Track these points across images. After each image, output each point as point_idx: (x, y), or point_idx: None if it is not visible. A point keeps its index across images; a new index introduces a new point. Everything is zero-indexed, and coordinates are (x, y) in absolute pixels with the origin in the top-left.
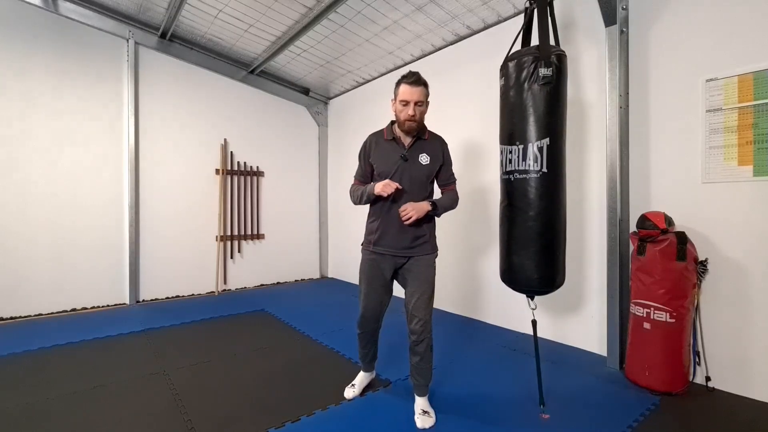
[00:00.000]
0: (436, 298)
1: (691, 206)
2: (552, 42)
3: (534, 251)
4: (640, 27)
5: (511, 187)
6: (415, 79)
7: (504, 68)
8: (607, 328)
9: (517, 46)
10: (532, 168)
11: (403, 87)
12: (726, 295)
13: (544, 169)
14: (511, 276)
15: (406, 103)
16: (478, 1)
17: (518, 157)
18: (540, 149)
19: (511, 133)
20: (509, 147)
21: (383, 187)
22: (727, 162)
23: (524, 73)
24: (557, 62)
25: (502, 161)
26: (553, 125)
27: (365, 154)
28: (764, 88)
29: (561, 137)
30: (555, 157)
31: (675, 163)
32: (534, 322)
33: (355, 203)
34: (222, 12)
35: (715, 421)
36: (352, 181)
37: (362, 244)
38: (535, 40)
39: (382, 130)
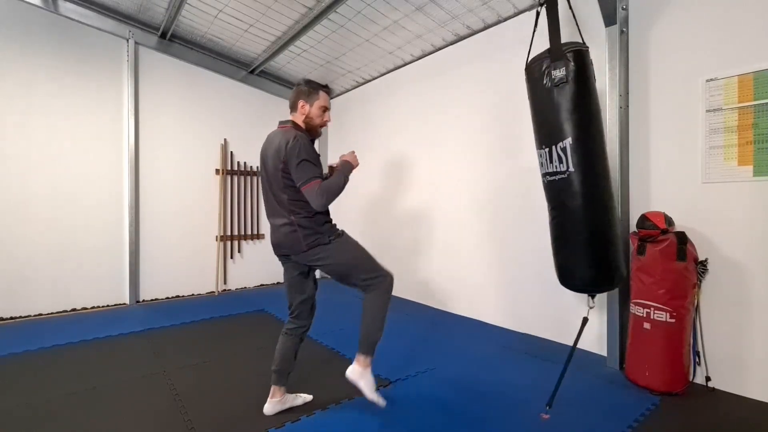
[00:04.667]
0: (435, 297)
1: (691, 206)
2: (569, 39)
3: (578, 251)
4: (640, 27)
5: (548, 189)
6: (329, 89)
7: (527, 72)
8: (607, 328)
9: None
10: (558, 169)
11: (323, 95)
12: (726, 295)
13: (571, 168)
14: (561, 277)
15: (325, 109)
16: (478, 1)
17: (546, 160)
18: (563, 150)
19: (539, 137)
20: (539, 151)
21: (355, 157)
22: (727, 162)
23: (540, 77)
24: (574, 60)
25: (540, 164)
26: (574, 124)
27: (314, 153)
28: (764, 88)
29: (586, 135)
30: (581, 155)
31: (675, 163)
32: (585, 320)
33: (336, 194)
34: (222, 12)
35: (715, 421)
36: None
37: (327, 233)
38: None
39: (302, 133)
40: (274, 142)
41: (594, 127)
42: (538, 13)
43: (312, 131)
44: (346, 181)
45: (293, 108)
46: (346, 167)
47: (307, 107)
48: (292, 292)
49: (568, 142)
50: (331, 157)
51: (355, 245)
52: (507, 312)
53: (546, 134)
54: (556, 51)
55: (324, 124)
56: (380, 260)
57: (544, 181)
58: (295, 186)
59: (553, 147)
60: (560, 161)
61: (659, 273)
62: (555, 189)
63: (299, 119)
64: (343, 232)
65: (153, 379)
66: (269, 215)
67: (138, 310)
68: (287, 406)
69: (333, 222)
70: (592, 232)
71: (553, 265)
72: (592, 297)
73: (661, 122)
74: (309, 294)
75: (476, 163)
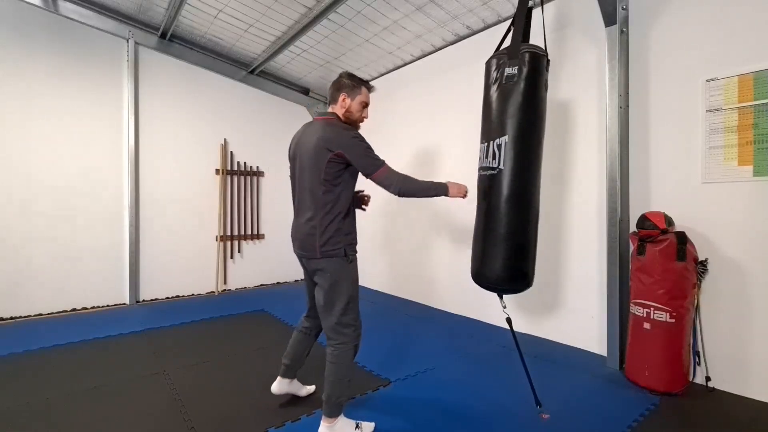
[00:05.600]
0: (435, 297)
1: (691, 206)
2: (567, 41)
3: (492, 248)
4: (640, 27)
5: (479, 182)
6: (371, 87)
7: (486, 66)
8: (607, 328)
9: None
10: (491, 165)
11: (365, 90)
12: (726, 295)
13: (500, 166)
14: (473, 271)
15: (366, 105)
16: (478, 1)
17: (483, 154)
18: (498, 147)
19: (481, 131)
20: (480, 144)
21: (461, 190)
22: (727, 162)
23: (494, 73)
24: (529, 61)
25: (480, 157)
26: (514, 123)
27: None
28: (764, 88)
29: (524, 136)
30: (514, 154)
31: (675, 163)
32: (509, 320)
33: (415, 194)
34: (222, 12)
35: (715, 421)
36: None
37: (346, 247)
38: (551, 39)
39: (348, 126)
40: (316, 133)
41: (533, 131)
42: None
43: (352, 125)
44: (432, 193)
45: (333, 101)
46: (445, 187)
47: (348, 101)
48: (309, 291)
49: (504, 140)
50: None
51: (357, 280)
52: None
53: (487, 129)
54: (514, 49)
55: (362, 120)
56: (382, 259)
57: (479, 174)
58: (331, 181)
59: (491, 143)
60: (494, 157)
61: (659, 273)
62: (484, 184)
63: (340, 112)
64: (355, 259)
65: (153, 379)
66: (296, 211)
67: (138, 310)
68: (293, 391)
69: (355, 240)
70: (509, 232)
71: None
72: (501, 297)
73: (661, 122)
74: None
75: (476, 163)
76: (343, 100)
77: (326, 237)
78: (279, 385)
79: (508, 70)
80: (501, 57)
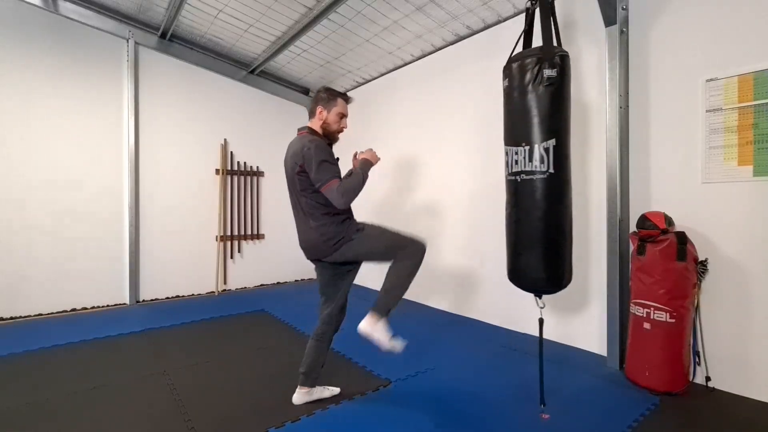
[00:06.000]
0: (435, 297)
1: (691, 206)
2: (555, 43)
3: (540, 251)
4: (640, 27)
5: (517, 188)
6: (348, 98)
7: (507, 69)
8: (607, 328)
9: (519, 48)
10: (538, 169)
11: (341, 102)
12: (726, 295)
13: (551, 170)
14: (518, 276)
15: (343, 116)
16: (478, 1)
17: (524, 158)
18: (546, 150)
19: (517, 135)
20: (515, 148)
21: (374, 154)
22: (727, 162)
23: (528, 75)
24: (560, 63)
25: (507, 162)
26: (558, 126)
27: (331, 155)
28: (764, 88)
29: (566, 138)
30: (560, 158)
31: (675, 163)
32: (541, 321)
33: (357, 194)
34: (222, 12)
35: (715, 421)
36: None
37: (348, 232)
38: (536, 42)
39: (318, 137)
40: (293, 149)
41: (569, 132)
42: (527, 11)
43: (330, 136)
44: (365, 178)
45: (312, 114)
46: (365, 165)
47: (324, 113)
48: (326, 289)
49: (552, 143)
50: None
51: (379, 232)
52: (507, 312)
53: (526, 132)
54: (549, 51)
55: (341, 130)
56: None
57: (513, 179)
58: (315, 189)
59: (536, 146)
60: (542, 161)
61: (659, 273)
62: (528, 189)
63: (316, 125)
64: (364, 225)
65: (153, 379)
66: (296, 220)
67: (138, 310)
68: (315, 397)
69: (353, 218)
70: (561, 233)
71: (506, 263)
72: (539, 297)
73: (661, 122)
74: (340, 295)
75: (476, 163)
76: (320, 112)
77: (330, 234)
78: (299, 396)
79: (547, 72)
80: (533, 58)
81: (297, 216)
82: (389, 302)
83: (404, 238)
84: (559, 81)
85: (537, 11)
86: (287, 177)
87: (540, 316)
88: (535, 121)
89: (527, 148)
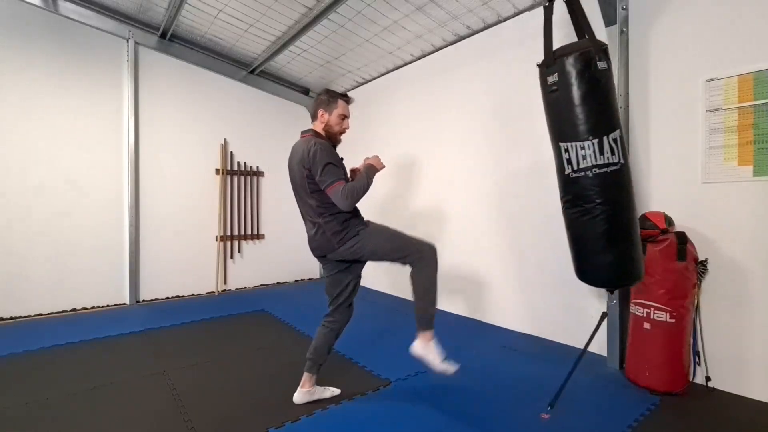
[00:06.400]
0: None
1: (691, 206)
2: (566, 40)
3: (619, 245)
4: (640, 27)
5: (591, 183)
6: (348, 98)
7: (556, 64)
8: (607, 328)
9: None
10: (611, 161)
11: (342, 103)
12: (726, 295)
13: (622, 160)
14: (611, 270)
15: (344, 117)
16: (478, 1)
17: (594, 152)
18: (615, 141)
19: (580, 129)
20: (579, 143)
21: (379, 161)
22: (727, 162)
23: (583, 68)
24: (606, 54)
25: (568, 160)
26: (617, 116)
27: (336, 157)
28: (764, 88)
29: (623, 127)
30: (624, 148)
31: (675, 163)
32: (604, 314)
33: (360, 197)
34: (222, 12)
35: (715, 421)
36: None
37: (355, 227)
38: (555, 37)
39: (322, 140)
40: (298, 152)
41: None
42: (546, 8)
43: (332, 138)
44: (370, 183)
45: (314, 117)
46: (370, 170)
47: (326, 116)
48: (330, 289)
49: (618, 134)
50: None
51: (384, 229)
52: (507, 312)
53: (594, 124)
54: (596, 43)
55: (343, 131)
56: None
57: (587, 175)
58: (321, 191)
59: (605, 138)
60: (612, 153)
61: (659, 273)
62: (606, 182)
63: (319, 127)
64: (369, 222)
65: (153, 379)
66: (304, 221)
67: (138, 310)
68: (315, 397)
69: (359, 216)
70: (632, 226)
71: (576, 260)
72: (611, 292)
73: (661, 122)
74: (347, 292)
75: (476, 163)
76: (322, 115)
77: (335, 230)
78: (300, 395)
79: (600, 65)
80: (586, 50)
81: (305, 216)
82: (430, 311)
83: (411, 241)
84: (610, 72)
85: (555, 6)
86: (293, 180)
87: (605, 310)
88: (596, 112)
89: (596, 141)
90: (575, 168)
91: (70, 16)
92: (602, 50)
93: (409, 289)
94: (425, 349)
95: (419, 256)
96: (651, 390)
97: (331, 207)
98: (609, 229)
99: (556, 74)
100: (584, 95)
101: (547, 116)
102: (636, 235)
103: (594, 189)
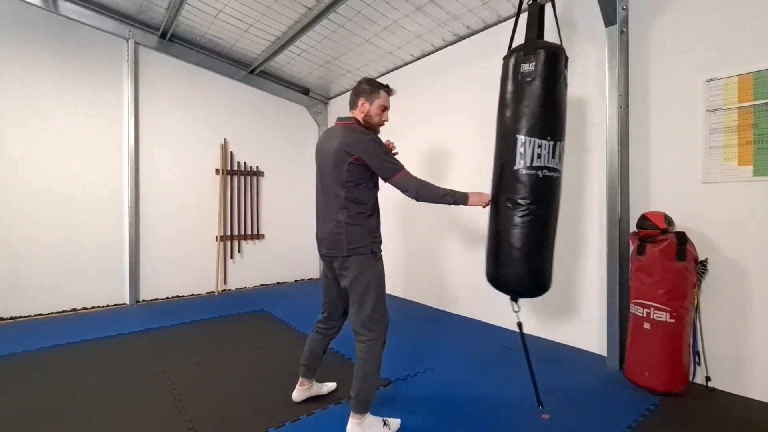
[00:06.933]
0: (435, 297)
1: (691, 206)
2: (567, 41)
3: (550, 253)
4: (640, 27)
5: (537, 183)
6: (390, 90)
7: (537, 55)
8: (606, 328)
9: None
10: (556, 167)
11: (384, 94)
12: (726, 295)
13: (560, 170)
14: (531, 277)
15: (385, 109)
16: (478, 1)
17: (548, 152)
18: (562, 150)
19: (543, 127)
20: (538, 140)
21: (483, 199)
22: (727, 162)
23: (557, 64)
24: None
25: (525, 153)
26: (564, 126)
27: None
28: (764, 88)
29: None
30: (562, 157)
31: (675, 163)
32: (520, 325)
33: (433, 200)
34: (222, 12)
35: (715, 421)
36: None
37: (372, 245)
38: (547, 34)
39: (372, 131)
40: (337, 138)
41: None
42: (518, 14)
43: (371, 129)
44: (449, 200)
45: (353, 106)
46: (461, 198)
47: (367, 105)
48: (326, 291)
49: (563, 146)
50: None
51: (383, 276)
52: (507, 312)
53: (555, 126)
54: (561, 50)
55: (382, 123)
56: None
57: (533, 174)
58: (355, 184)
59: (558, 143)
60: (559, 160)
61: (659, 273)
62: (550, 185)
63: (359, 116)
64: (381, 255)
65: (153, 379)
66: (319, 212)
67: (138, 310)
68: (314, 393)
69: (379, 235)
70: (554, 237)
71: (493, 259)
72: (516, 301)
73: (661, 122)
74: (343, 297)
75: (476, 163)
76: (362, 104)
77: (352, 236)
78: (299, 393)
79: (565, 72)
80: (563, 51)
81: (326, 205)
82: (369, 391)
83: (385, 320)
84: (566, 78)
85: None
86: (325, 166)
87: (518, 320)
88: (560, 115)
89: (552, 143)
90: (527, 165)
91: (70, 16)
92: (567, 60)
93: (356, 365)
94: (361, 427)
95: (382, 341)
96: (651, 390)
97: (360, 205)
98: (542, 234)
99: (533, 64)
100: (555, 94)
101: (509, 106)
102: (553, 248)
103: (538, 190)
